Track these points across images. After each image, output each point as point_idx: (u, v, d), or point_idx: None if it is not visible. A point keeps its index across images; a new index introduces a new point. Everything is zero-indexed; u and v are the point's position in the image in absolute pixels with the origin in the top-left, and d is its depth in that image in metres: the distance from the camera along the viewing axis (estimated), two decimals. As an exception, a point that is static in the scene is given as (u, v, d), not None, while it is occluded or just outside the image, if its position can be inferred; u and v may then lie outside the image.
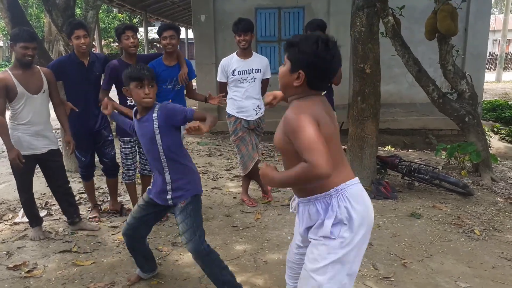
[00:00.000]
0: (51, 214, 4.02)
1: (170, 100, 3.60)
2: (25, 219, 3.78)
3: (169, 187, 2.45)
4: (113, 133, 3.97)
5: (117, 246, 3.32)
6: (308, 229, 1.83)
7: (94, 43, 10.25)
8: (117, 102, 3.61)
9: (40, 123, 3.33)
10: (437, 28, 4.88)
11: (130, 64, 3.58)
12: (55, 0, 4.97)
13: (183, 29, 19.38)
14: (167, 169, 2.44)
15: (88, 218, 3.87)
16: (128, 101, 3.65)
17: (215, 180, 5.11)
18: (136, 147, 3.85)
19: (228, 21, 8.20)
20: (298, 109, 1.67)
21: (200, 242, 2.42)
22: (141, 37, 13.48)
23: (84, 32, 3.62)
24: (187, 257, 3.11)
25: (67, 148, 3.57)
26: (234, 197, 4.45)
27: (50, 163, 3.46)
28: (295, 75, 1.69)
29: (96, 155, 3.92)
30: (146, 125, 2.43)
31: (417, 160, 6.64)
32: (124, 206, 4.07)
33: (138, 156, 3.94)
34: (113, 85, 3.70)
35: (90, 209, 4.01)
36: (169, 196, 2.46)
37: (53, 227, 3.70)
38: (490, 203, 4.30)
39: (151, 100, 2.42)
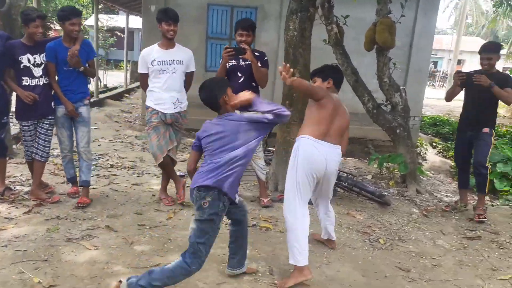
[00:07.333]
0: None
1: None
2: None
3: None
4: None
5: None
6: None
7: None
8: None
9: None
10: (375, 40, 4.96)
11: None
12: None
13: (137, 18, 16.47)
14: None
15: None
16: (23, 81, 3.71)
17: (138, 176, 4.94)
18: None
19: (180, 14, 7.99)
20: None
21: None
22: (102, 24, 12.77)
23: None
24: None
25: None
26: (153, 195, 4.30)
27: None
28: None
29: None
30: None
31: (351, 167, 6.77)
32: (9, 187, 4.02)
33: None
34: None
35: None
36: None
37: None
38: (404, 213, 4.38)
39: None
